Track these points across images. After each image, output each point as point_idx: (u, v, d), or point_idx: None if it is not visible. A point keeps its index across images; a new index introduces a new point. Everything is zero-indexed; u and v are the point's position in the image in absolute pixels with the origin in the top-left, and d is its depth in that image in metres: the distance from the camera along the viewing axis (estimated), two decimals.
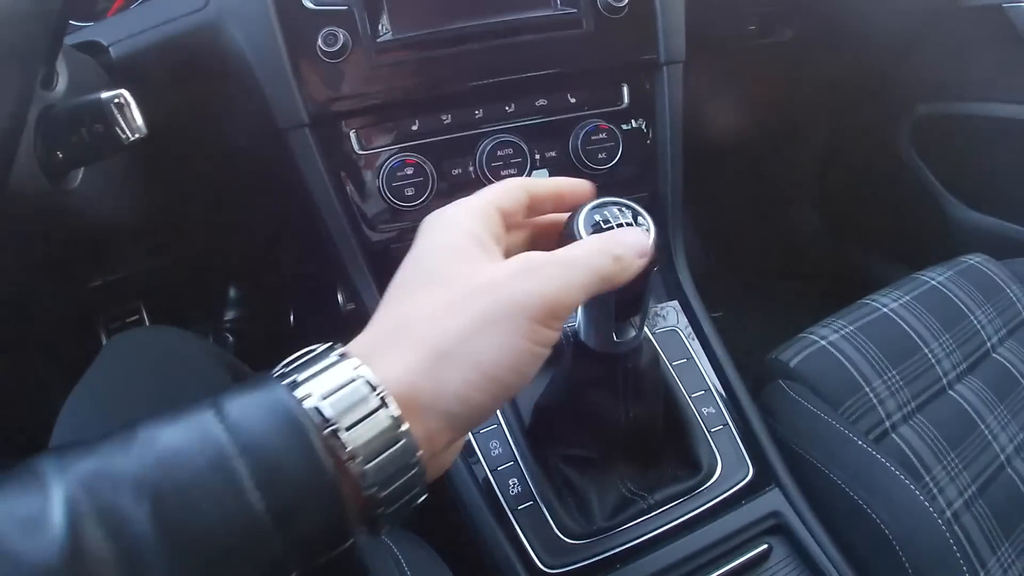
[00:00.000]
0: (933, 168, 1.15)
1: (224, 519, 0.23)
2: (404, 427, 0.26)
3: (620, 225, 0.35)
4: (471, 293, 0.28)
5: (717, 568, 0.54)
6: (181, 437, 0.25)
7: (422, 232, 0.32)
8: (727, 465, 0.58)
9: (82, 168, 0.52)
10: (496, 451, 0.56)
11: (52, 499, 0.23)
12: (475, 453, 0.56)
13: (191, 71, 0.61)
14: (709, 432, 0.59)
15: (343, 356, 0.27)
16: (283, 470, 0.24)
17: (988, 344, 0.78)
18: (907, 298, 0.78)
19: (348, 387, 0.26)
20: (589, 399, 0.50)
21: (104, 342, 1.00)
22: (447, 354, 0.28)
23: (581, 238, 0.35)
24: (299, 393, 0.26)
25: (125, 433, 0.25)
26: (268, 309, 1.19)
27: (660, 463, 0.57)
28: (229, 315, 1.15)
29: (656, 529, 0.54)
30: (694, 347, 0.64)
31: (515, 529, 0.53)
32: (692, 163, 0.69)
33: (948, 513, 0.64)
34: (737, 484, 0.57)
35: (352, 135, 0.62)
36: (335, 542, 0.26)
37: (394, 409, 0.26)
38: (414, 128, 0.63)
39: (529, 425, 0.57)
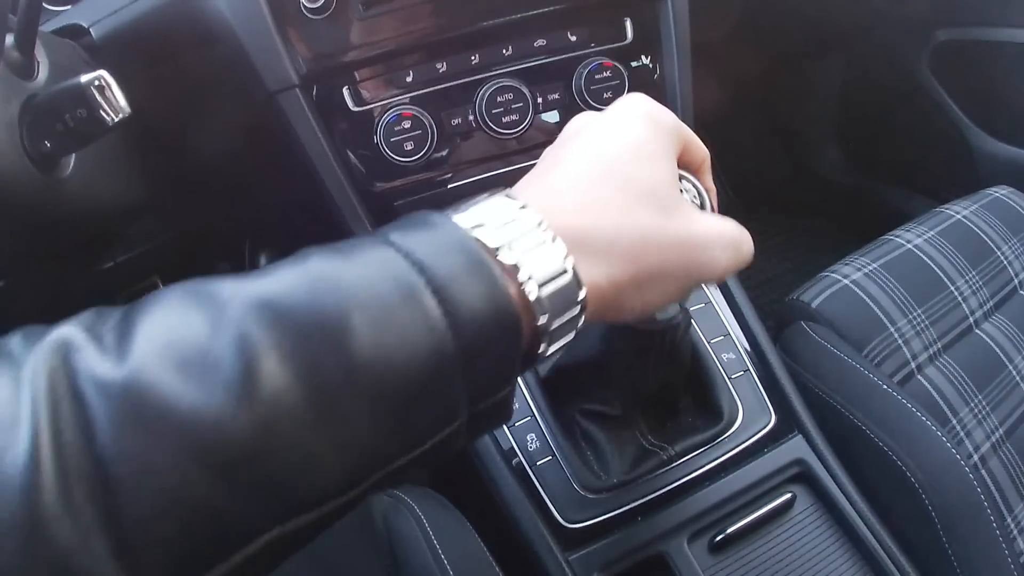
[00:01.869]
0: (955, 97, 1.10)
1: (416, 358, 0.22)
2: (571, 261, 0.26)
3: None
4: (687, 242, 0.30)
5: (740, 518, 0.53)
6: (364, 272, 0.23)
7: (636, 125, 0.31)
8: (749, 412, 0.56)
9: (73, 155, 0.51)
10: (513, 407, 0.54)
11: (220, 337, 0.20)
12: None
13: (175, 43, 0.60)
14: (729, 379, 0.57)
15: (526, 211, 0.27)
16: (472, 309, 0.23)
17: (1016, 280, 0.76)
18: (931, 233, 0.75)
19: (529, 234, 0.26)
20: (621, 365, 0.49)
21: None
22: (642, 281, 0.29)
23: None
24: (476, 233, 0.25)
25: (292, 262, 0.23)
26: None
27: (680, 413, 0.56)
28: None
29: (677, 480, 0.53)
30: (712, 291, 0.62)
31: (535, 485, 0.52)
32: (706, 99, 0.66)
33: (975, 458, 0.63)
34: (759, 432, 0.56)
35: (345, 92, 0.59)
36: (504, 384, 0.26)
37: (561, 247, 0.26)
38: (408, 80, 0.60)
39: (546, 378, 0.56)
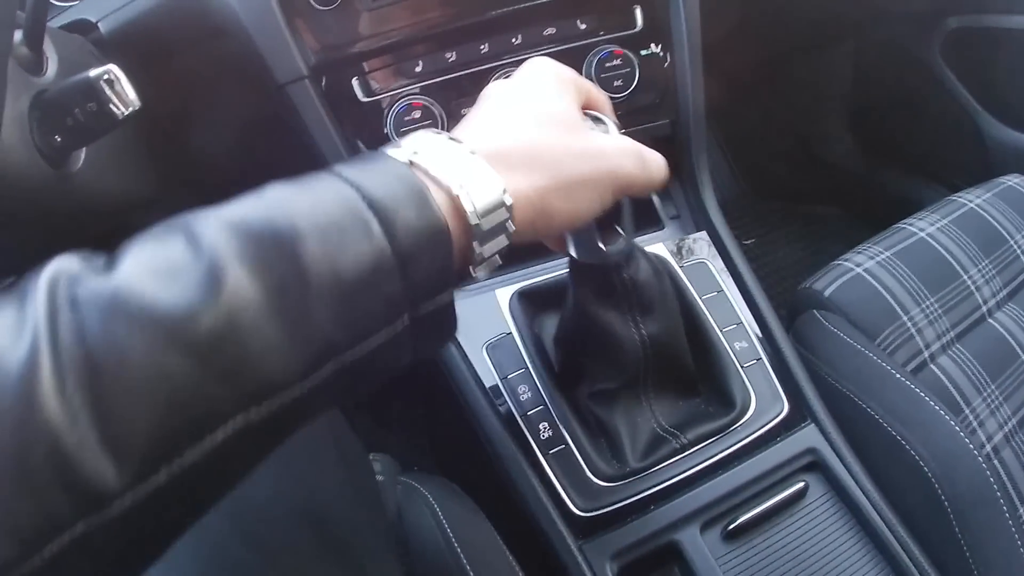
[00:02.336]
0: (967, 85, 1.09)
1: (358, 258, 0.26)
2: (492, 170, 0.31)
3: None
4: (593, 153, 0.35)
5: (753, 507, 0.53)
6: (316, 197, 0.27)
7: (538, 76, 0.38)
8: (761, 401, 0.56)
9: (83, 149, 0.51)
10: (525, 395, 0.55)
11: (193, 251, 0.24)
12: (505, 400, 0.55)
13: (183, 36, 0.60)
14: (742, 367, 0.57)
15: (456, 141, 0.32)
16: (406, 222, 0.27)
17: None
18: (944, 222, 0.75)
19: (458, 159, 0.31)
20: (599, 321, 0.49)
21: None
22: (561, 188, 0.33)
23: None
24: (412, 159, 0.30)
25: (257, 194, 0.27)
26: None
27: (692, 399, 0.56)
28: None
29: (690, 469, 0.53)
30: (724, 279, 0.61)
31: (547, 474, 0.52)
32: (717, 87, 0.65)
33: (988, 448, 0.62)
34: (772, 420, 0.56)
35: (355, 82, 0.59)
36: (442, 287, 0.29)
37: (482, 162, 0.31)
38: (418, 69, 0.60)
39: (558, 367, 0.56)
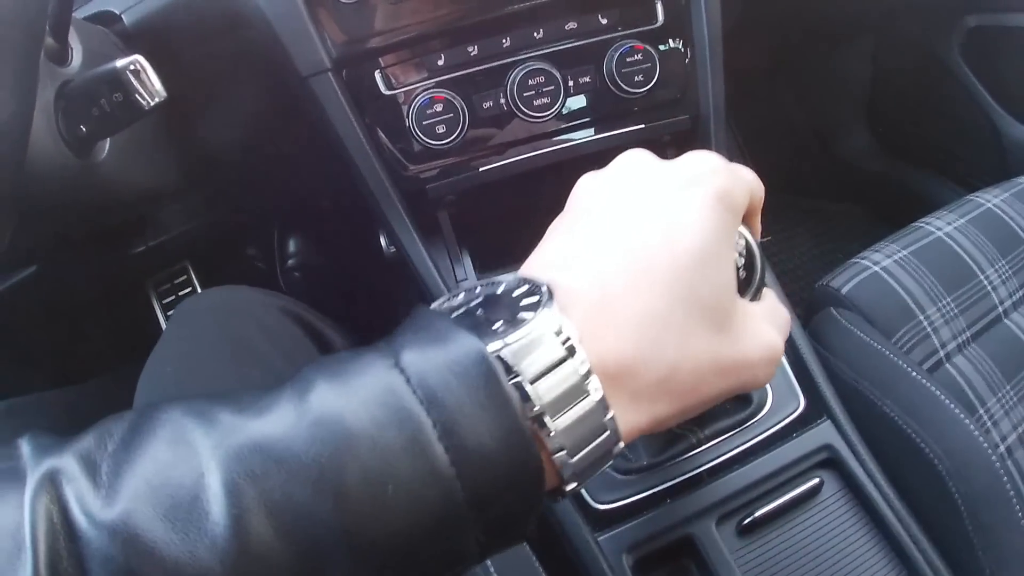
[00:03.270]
0: (986, 84, 1.08)
1: (417, 513, 0.20)
2: (610, 415, 0.24)
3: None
4: (740, 366, 0.27)
5: (768, 502, 0.53)
6: (365, 407, 0.21)
7: (699, 203, 0.26)
8: (777, 397, 0.57)
9: (108, 139, 0.52)
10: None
11: (207, 484, 0.20)
12: None
13: (206, 28, 0.60)
14: None
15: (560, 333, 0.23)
16: (484, 453, 0.21)
17: None
18: (962, 221, 0.74)
19: (558, 370, 0.23)
20: None
21: (154, 303, 1.04)
22: (685, 412, 0.26)
23: None
24: (496, 351, 0.22)
25: (293, 394, 0.22)
26: (319, 248, 1.21)
27: None
28: (290, 259, 1.18)
29: (706, 463, 0.53)
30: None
31: None
32: (736, 83, 0.65)
33: (1002, 448, 0.62)
34: (788, 417, 0.56)
35: (377, 75, 0.59)
36: (523, 529, 0.24)
37: (597, 393, 0.23)
38: (440, 63, 0.60)
39: None
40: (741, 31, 0.89)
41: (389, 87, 0.60)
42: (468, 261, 0.64)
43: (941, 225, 0.74)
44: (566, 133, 0.62)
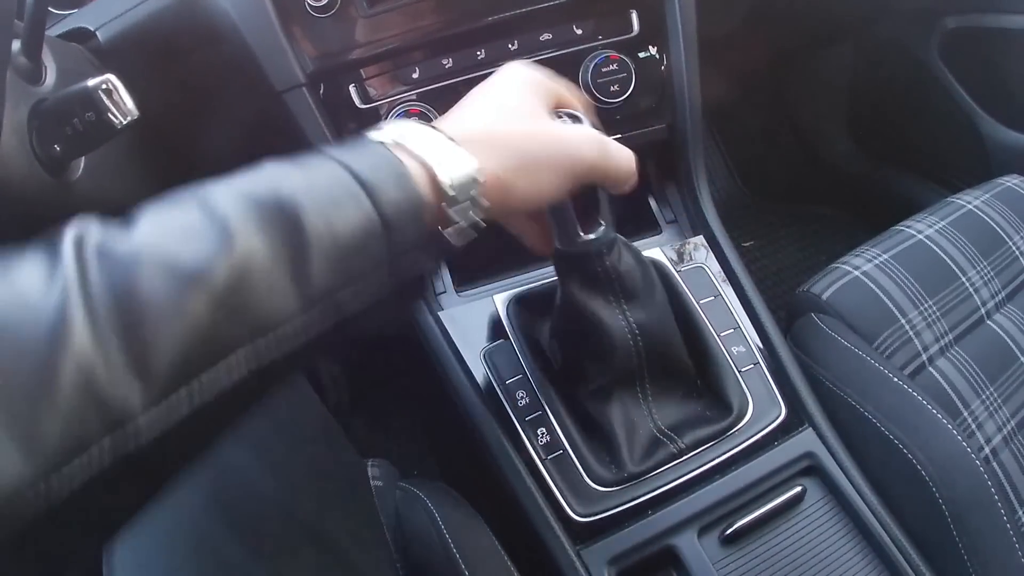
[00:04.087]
0: (966, 85, 1.09)
1: (350, 224, 0.29)
2: (462, 150, 0.35)
3: None
4: (552, 139, 0.39)
5: (750, 512, 0.53)
6: (314, 176, 0.30)
7: (507, 78, 0.41)
8: (759, 405, 0.56)
9: (82, 158, 0.51)
10: (523, 401, 0.55)
11: (207, 210, 0.27)
12: (503, 406, 0.55)
13: (181, 44, 0.61)
14: (739, 372, 0.57)
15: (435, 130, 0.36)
16: (390, 197, 0.31)
17: None
18: (943, 223, 0.75)
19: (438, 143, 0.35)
20: (587, 310, 0.49)
21: None
22: (521, 168, 0.37)
23: None
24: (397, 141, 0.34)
25: (254, 169, 0.30)
26: None
27: (692, 401, 0.56)
28: None
29: (687, 474, 0.53)
30: (722, 285, 0.62)
31: (545, 479, 0.52)
32: (716, 89, 0.65)
33: (986, 450, 0.62)
34: (769, 425, 0.56)
35: (352, 90, 0.60)
36: (418, 248, 0.33)
37: (453, 144, 0.35)
38: (414, 76, 0.60)
39: (554, 363, 0.56)
40: (728, 40, 0.89)
41: (364, 101, 0.60)
42: (447, 275, 0.64)
43: (922, 228, 0.74)
44: None
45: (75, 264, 0.25)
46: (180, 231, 0.27)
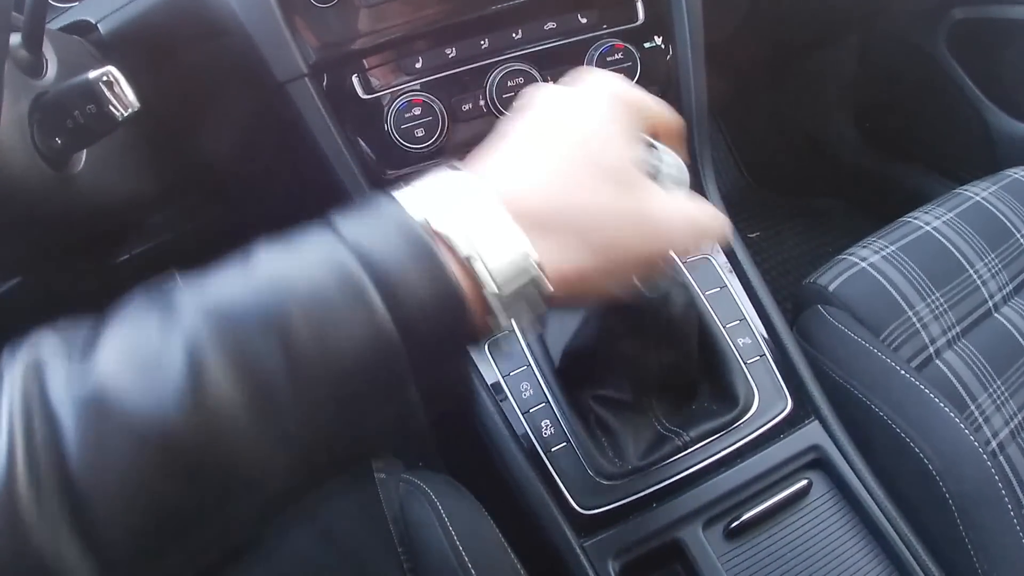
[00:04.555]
0: (973, 77, 1.08)
1: (354, 340, 0.23)
2: (529, 247, 0.26)
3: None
4: (648, 225, 0.29)
5: (756, 505, 0.52)
6: (308, 268, 0.24)
7: (594, 99, 0.31)
8: (765, 398, 0.56)
9: (84, 151, 0.51)
10: (527, 393, 0.55)
11: (172, 341, 0.22)
12: (506, 396, 0.55)
13: (183, 36, 0.60)
14: (745, 364, 0.57)
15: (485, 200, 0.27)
16: (417, 300, 0.24)
17: None
18: (950, 215, 0.74)
19: (480, 218, 0.26)
20: (622, 351, 0.49)
21: None
22: (600, 266, 0.28)
23: None
24: (426, 215, 0.26)
25: (239, 263, 0.25)
26: None
27: (695, 398, 0.56)
28: None
29: (692, 466, 0.53)
30: (728, 276, 0.61)
31: (549, 471, 0.52)
32: (724, 82, 0.65)
33: (993, 444, 0.62)
34: (775, 417, 0.56)
35: (354, 80, 0.59)
36: (454, 366, 0.27)
37: (519, 232, 0.26)
38: (418, 66, 0.59)
39: (559, 366, 0.56)
40: (735, 33, 0.88)
41: (367, 91, 0.59)
42: None
43: (929, 219, 0.74)
44: None
45: (21, 408, 0.21)
46: (143, 371, 0.22)
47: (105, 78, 0.44)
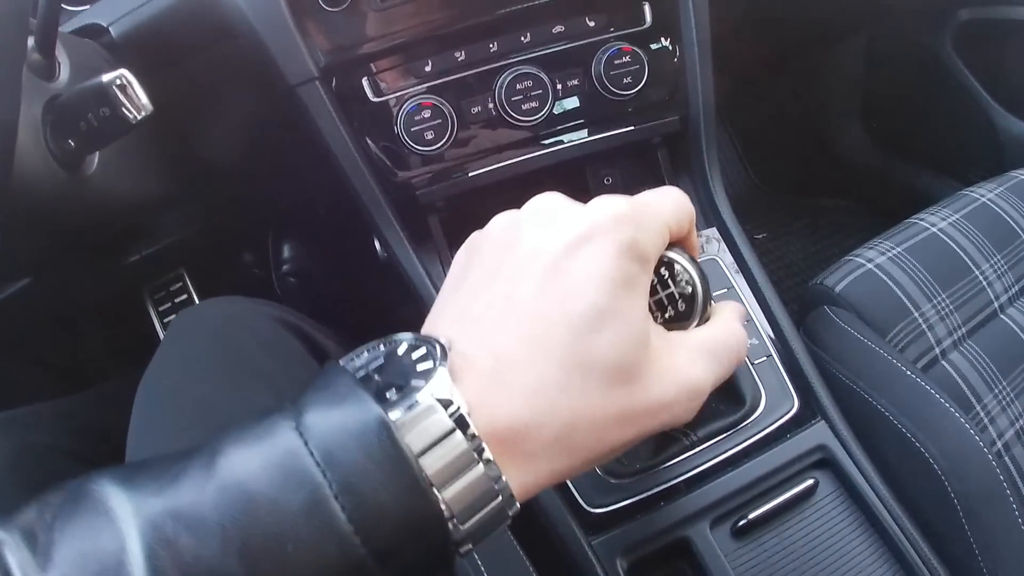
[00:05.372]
0: (980, 77, 1.08)
1: (319, 568, 0.21)
2: (501, 482, 0.24)
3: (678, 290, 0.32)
4: (650, 412, 0.27)
5: (763, 504, 0.53)
6: (266, 471, 0.22)
7: (597, 255, 0.26)
8: (771, 398, 0.56)
9: (96, 153, 0.52)
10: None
11: (128, 550, 0.21)
12: None
13: (194, 39, 0.61)
14: (752, 364, 0.57)
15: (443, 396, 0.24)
16: (385, 511, 0.22)
17: None
18: (956, 216, 0.74)
19: (446, 440, 0.23)
20: None
21: (151, 311, 1.04)
22: (588, 463, 0.26)
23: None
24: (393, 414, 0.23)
25: (203, 461, 0.23)
26: (314, 253, 1.22)
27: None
28: (285, 265, 1.19)
29: (700, 465, 0.53)
30: (735, 277, 0.61)
31: None
32: (729, 82, 0.65)
33: (998, 445, 0.62)
34: (782, 417, 0.56)
35: (364, 83, 0.60)
36: (434, 569, 0.24)
37: (486, 463, 0.24)
38: (427, 69, 0.60)
39: None
40: (739, 32, 0.89)
41: (377, 94, 0.60)
42: None
43: (935, 221, 0.74)
44: (555, 136, 0.62)
45: None
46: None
47: (119, 81, 0.45)
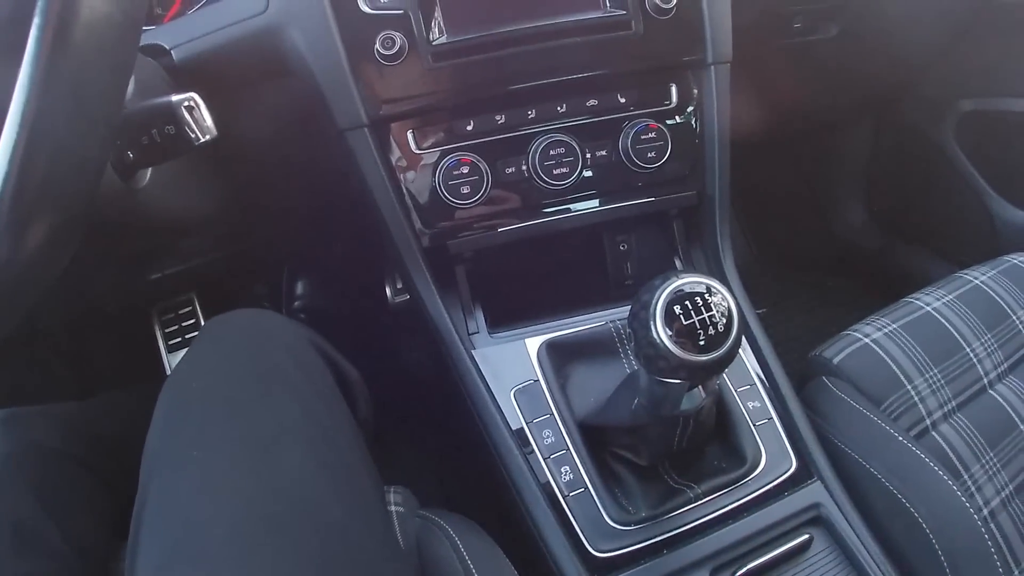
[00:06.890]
0: (978, 165, 1.13)
1: None
2: None
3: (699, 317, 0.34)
4: None
5: (759, 556, 0.55)
6: None
7: None
8: (771, 457, 0.59)
9: (150, 168, 0.53)
10: (549, 439, 0.58)
11: None
12: (529, 443, 0.58)
13: (250, 74, 0.63)
14: (754, 425, 0.60)
15: None
16: None
17: None
18: (950, 297, 0.78)
19: None
20: (650, 438, 0.52)
21: (156, 330, 1.04)
22: None
23: (657, 332, 0.35)
24: None
25: None
26: (325, 292, 1.23)
27: (705, 456, 0.59)
28: (297, 301, 1.19)
29: (701, 517, 0.56)
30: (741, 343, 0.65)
31: (567, 514, 0.55)
32: (736, 157, 0.70)
33: (985, 511, 0.64)
34: (780, 476, 0.59)
35: (409, 135, 0.63)
36: None
37: None
38: (469, 128, 0.64)
39: (580, 420, 0.59)
40: (749, 111, 0.94)
41: (420, 147, 0.63)
42: (480, 315, 0.68)
43: (930, 300, 0.78)
44: (581, 202, 0.66)
45: None
46: None
47: (188, 103, 0.47)
